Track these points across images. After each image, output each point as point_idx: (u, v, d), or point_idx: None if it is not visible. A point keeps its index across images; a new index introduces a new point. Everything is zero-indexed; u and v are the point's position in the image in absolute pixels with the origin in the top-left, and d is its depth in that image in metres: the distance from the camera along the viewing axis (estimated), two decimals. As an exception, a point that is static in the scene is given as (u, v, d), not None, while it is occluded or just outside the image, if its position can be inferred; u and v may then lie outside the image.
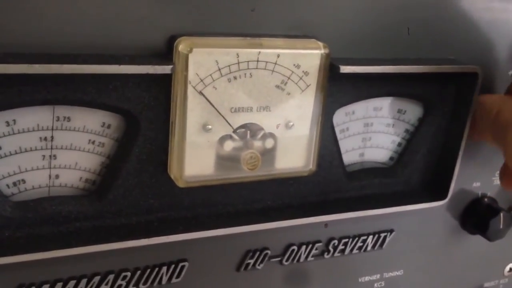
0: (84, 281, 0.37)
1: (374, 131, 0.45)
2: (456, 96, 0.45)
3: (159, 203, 0.38)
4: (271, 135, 0.38)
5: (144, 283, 0.39)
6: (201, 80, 0.34)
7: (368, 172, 0.46)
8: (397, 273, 0.51)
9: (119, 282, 0.38)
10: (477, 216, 0.51)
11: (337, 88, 0.40)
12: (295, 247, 0.44)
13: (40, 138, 0.35)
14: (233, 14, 0.35)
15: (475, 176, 0.50)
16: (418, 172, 0.47)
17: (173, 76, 0.34)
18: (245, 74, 0.35)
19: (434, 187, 0.47)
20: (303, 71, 0.37)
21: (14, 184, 0.35)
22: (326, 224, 0.45)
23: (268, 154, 0.38)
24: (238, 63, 0.35)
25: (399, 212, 0.45)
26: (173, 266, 0.40)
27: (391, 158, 0.47)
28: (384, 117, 0.45)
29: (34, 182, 0.36)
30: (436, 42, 0.43)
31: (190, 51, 0.33)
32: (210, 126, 0.36)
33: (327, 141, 0.42)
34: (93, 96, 0.34)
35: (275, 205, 0.42)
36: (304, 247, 0.44)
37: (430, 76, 0.42)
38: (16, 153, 0.34)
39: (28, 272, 0.36)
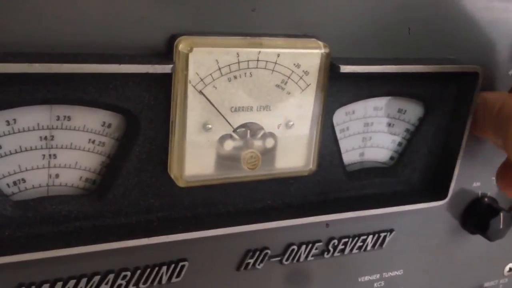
0: (84, 280, 0.37)
1: (374, 131, 0.45)
2: (456, 95, 0.45)
3: (159, 202, 0.38)
4: (271, 135, 0.38)
5: (144, 283, 0.39)
6: (201, 80, 0.34)
7: (368, 172, 0.46)
8: (397, 273, 0.51)
9: (119, 281, 0.38)
10: (477, 216, 0.51)
11: (337, 88, 0.40)
12: (295, 247, 0.44)
13: (40, 137, 0.35)
14: (233, 14, 0.35)
15: (475, 176, 0.50)
16: (418, 171, 0.47)
17: (173, 75, 0.34)
18: (245, 73, 0.35)
19: (434, 187, 0.47)
20: (303, 71, 0.37)
21: (14, 183, 0.35)
22: (327, 224, 0.45)
23: (268, 154, 0.38)
24: (238, 62, 0.35)
25: (399, 212, 0.45)
26: (173, 265, 0.40)
27: (391, 158, 0.47)
28: (384, 116, 0.45)
29: (34, 181, 0.36)
30: (437, 42, 0.43)
31: (190, 50, 0.33)
32: (210, 126, 0.36)
33: (327, 141, 0.42)
34: (93, 96, 0.34)
35: (275, 204, 0.42)
36: (304, 246, 0.44)
37: (430, 76, 0.42)
38: (16, 152, 0.34)
39: (28, 271, 0.36)
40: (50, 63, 0.30)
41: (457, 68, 0.42)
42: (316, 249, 0.45)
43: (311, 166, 0.40)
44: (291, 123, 0.38)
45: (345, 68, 0.38)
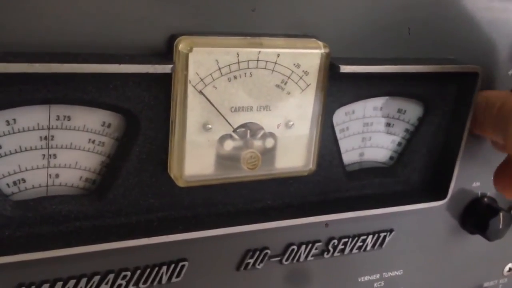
0: (84, 280, 0.37)
1: (374, 131, 0.45)
2: (456, 95, 0.45)
3: (159, 202, 0.38)
4: (271, 135, 0.38)
5: (144, 283, 0.39)
6: (201, 80, 0.34)
7: (368, 172, 0.46)
8: (397, 273, 0.51)
9: (119, 281, 0.38)
10: (476, 216, 0.51)
11: (337, 88, 0.40)
12: (295, 247, 0.44)
13: (40, 137, 0.35)
14: (233, 14, 0.35)
15: (475, 176, 0.50)
16: (418, 172, 0.47)
17: (173, 75, 0.34)
18: (245, 73, 0.35)
19: (434, 187, 0.47)
20: (303, 71, 0.37)
21: (14, 183, 0.35)
22: (327, 224, 0.45)
23: (268, 154, 0.38)
24: (238, 62, 0.35)
25: (399, 212, 0.45)
26: (173, 265, 0.40)
27: (391, 158, 0.47)
28: (384, 116, 0.45)
29: (34, 181, 0.36)
30: (437, 42, 0.43)
31: (190, 50, 0.33)
32: (210, 126, 0.36)
33: (327, 141, 0.42)
34: (93, 95, 0.34)
35: (275, 204, 0.42)
36: (304, 246, 0.44)
37: (430, 76, 0.42)
38: (16, 152, 0.34)
39: (28, 271, 0.36)
40: (50, 63, 0.30)
41: (457, 68, 0.42)
42: (316, 249, 0.45)
43: (311, 166, 0.40)
44: (291, 123, 0.38)
45: (345, 68, 0.38)
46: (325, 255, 0.46)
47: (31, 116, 0.34)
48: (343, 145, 0.44)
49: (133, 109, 0.35)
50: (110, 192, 0.37)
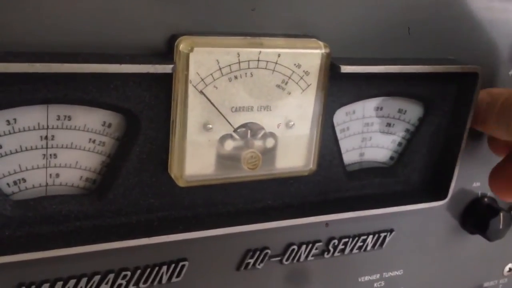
0: (84, 280, 0.37)
1: (374, 131, 0.45)
2: (456, 96, 0.45)
3: (159, 202, 0.38)
4: (272, 135, 0.38)
5: (144, 282, 0.39)
6: (202, 80, 0.34)
7: (368, 172, 0.46)
8: (397, 273, 0.51)
9: (119, 281, 0.38)
10: (477, 216, 0.51)
11: (338, 88, 0.40)
12: (295, 247, 0.44)
13: (41, 137, 0.35)
14: (233, 14, 0.35)
15: (475, 176, 0.50)
16: (418, 172, 0.47)
17: (174, 75, 0.34)
18: (245, 73, 0.35)
19: (434, 187, 0.47)
20: (303, 71, 0.37)
21: (15, 183, 0.35)
22: (327, 224, 0.45)
23: (269, 154, 0.38)
24: (239, 62, 0.35)
25: (399, 212, 0.45)
26: (173, 265, 0.40)
27: (391, 158, 0.47)
28: (384, 116, 0.45)
29: (34, 181, 0.36)
30: (437, 42, 0.43)
31: (191, 50, 0.33)
32: (210, 126, 0.36)
33: (327, 141, 0.42)
34: (94, 95, 0.34)
35: (275, 204, 0.42)
36: (304, 246, 0.44)
37: (430, 76, 0.42)
38: (17, 152, 0.34)
39: (28, 271, 0.36)
40: (51, 63, 0.30)
41: (457, 68, 0.42)
42: (316, 249, 0.45)
43: (311, 166, 0.40)
44: (292, 123, 0.38)
45: (346, 68, 0.38)
46: (326, 255, 0.46)
47: (32, 116, 0.34)
48: (344, 145, 0.44)
49: (133, 109, 0.35)
50: (111, 192, 0.37)
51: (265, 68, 0.36)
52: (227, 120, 0.36)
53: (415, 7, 0.41)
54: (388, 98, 0.45)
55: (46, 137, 0.35)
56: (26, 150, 0.34)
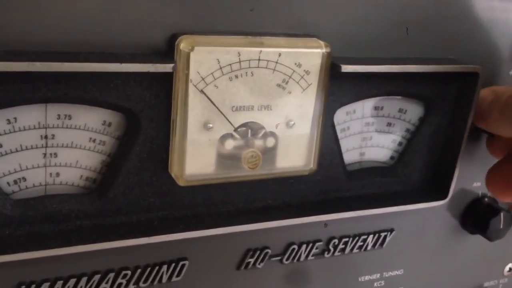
0: (84, 279, 0.37)
1: (374, 131, 0.45)
2: (456, 95, 0.45)
3: (159, 201, 0.38)
4: (272, 134, 0.38)
5: (145, 282, 0.39)
6: (202, 79, 0.34)
7: (369, 172, 0.46)
8: (397, 273, 0.51)
9: (119, 280, 0.38)
10: (477, 216, 0.51)
11: (338, 87, 0.40)
12: (295, 246, 0.44)
13: (41, 136, 0.34)
14: (234, 13, 0.35)
15: (475, 176, 0.50)
16: (419, 171, 0.47)
17: (174, 74, 0.34)
18: (246, 72, 0.35)
19: (434, 186, 0.47)
20: (304, 70, 0.37)
21: (15, 182, 0.35)
22: (325, 224, 0.45)
23: (269, 153, 0.38)
24: (240, 61, 0.35)
25: (399, 211, 0.45)
26: (173, 264, 0.40)
27: (391, 158, 0.47)
28: (385, 116, 0.45)
29: (34, 180, 0.36)
30: (437, 42, 0.43)
31: (192, 49, 0.33)
32: (211, 125, 0.36)
33: (328, 140, 0.42)
34: (94, 94, 0.34)
35: (276, 204, 0.42)
36: (304, 246, 0.44)
37: (431, 76, 0.42)
38: (17, 151, 0.34)
39: (29, 270, 0.36)
40: (51, 62, 0.30)
41: (458, 68, 0.42)
42: (316, 248, 0.45)
43: (312, 165, 0.40)
44: (292, 122, 0.38)
45: (346, 68, 0.38)
46: (326, 255, 0.46)
47: (32, 115, 0.34)
48: (344, 144, 0.44)
49: (134, 108, 0.35)
50: (111, 191, 0.37)
51: (266, 68, 0.36)
52: (228, 120, 0.36)
53: (415, 7, 0.41)
54: (388, 97, 0.45)
55: (46, 136, 0.35)
56: (27, 149, 0.34)
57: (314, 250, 0.45)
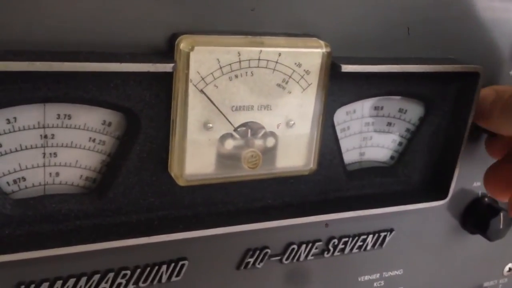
0: (84, 279, 0.37)
1: (374, 130, 0.45)
2: (457, 95, 0.45)
3: (159, 201, 0.38)
4: (272, 134, 0.38)
5: (144, 282, 0.39)
6: (202, 79, 0.34)
7: (369, 171, 0.46)
8: (397, 273, 0.51)
9: (119, 280, 0.38)
10: (477, 216, 0.51)
11: (338, 87, 0.40)
12: (295, 246, 0.44)
13: (41, 135, 0.34)
14: (234, 13, 0.35)
15: (475, 176, 0.50)
16: (419, 171, 0.47)
17: (174, 74, 0.34)
18: (246, 72, 0.35)
19: (434, 186, 0.47)
20: (304, 70, 0.37)
21: (14, 181, 0.35)
22: (326, 224, 0.45)
23: (269, 153, 0.38)
24: (240, 61, 0.35)
25: (399, 211, 0.45)
26: (173, 264, 0.40)
27: (391, 158, 0.47)
28: (385, 116, 0.45)
29: (34, 180, 0.36)
30: (438, 42, 0.43)
31: (192, 49, 0.33)
32: (211, 125, 0.36)
33: (327, 140, 0.42)
34: (94, 94, 0.34)
35: (276, 204, 0.42)
36: (304, 246, 0.44)
37: (431, 76, 0.42)
38: (17, 150, 0.34)
39: (28, 270, 0.36)
40: (51, 62, 0.30)
41: (458, 68, 0.42)
42: (316, 248, 0.45)
43: (312, 165, 0.40)
44: (292, 122, 0.38)
45: (346, 68, 0.38)
46: (325, 255, 0.46)
47: (32, 115, 0.34)
48: (344, 144, 0.44)
49: (133, 108, 0.35)
50: (110, 191, 0.37)
51: (266, 67, 0.36)
52: (228, 119, 0.36)
53: (416, 7, 0.41)
54: (388, 97, 0.45)
55: (46, 136, 0.35)
56: (26, 148, 0.34)
57: (313, 250, 0.45)
